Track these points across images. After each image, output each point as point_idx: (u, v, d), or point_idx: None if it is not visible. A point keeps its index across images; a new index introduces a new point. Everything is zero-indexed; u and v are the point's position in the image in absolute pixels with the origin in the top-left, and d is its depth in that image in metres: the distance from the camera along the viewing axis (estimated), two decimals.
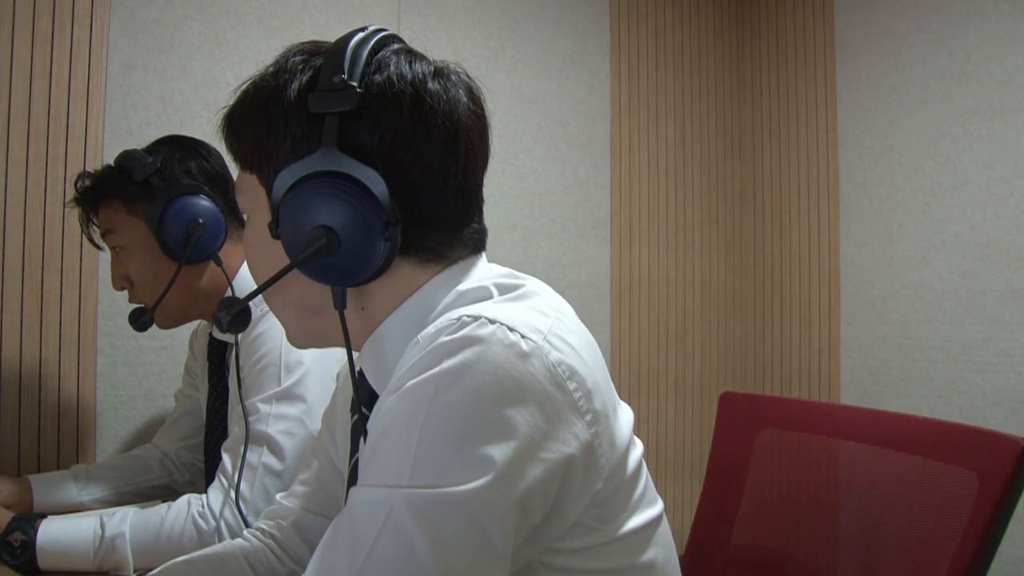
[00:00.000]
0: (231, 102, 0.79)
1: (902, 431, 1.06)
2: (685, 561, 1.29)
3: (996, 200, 2.26)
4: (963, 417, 2.28)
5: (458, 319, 0.66)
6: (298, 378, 1.30)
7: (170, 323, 1.48)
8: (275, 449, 1.25)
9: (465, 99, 0.78)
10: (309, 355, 1.32)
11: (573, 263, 2.55)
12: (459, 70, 0.80)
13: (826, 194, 2.71)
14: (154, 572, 0.94)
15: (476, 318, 0.66)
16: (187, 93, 1.94)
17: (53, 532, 1.14)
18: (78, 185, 1.44)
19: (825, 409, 1.22)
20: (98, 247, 1.50)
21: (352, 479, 0.84)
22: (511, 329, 0.65)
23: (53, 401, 1.78)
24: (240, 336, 1.38)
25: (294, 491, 1.04)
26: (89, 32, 1.82)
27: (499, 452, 0.61)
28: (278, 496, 1.07)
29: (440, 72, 0.77)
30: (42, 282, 1.77)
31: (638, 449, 0.78)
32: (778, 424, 1.25)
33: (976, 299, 2.29)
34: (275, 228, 0.74)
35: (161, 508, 1.22)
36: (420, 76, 0.75)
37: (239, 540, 1.02)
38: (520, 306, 0.71)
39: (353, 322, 0.78)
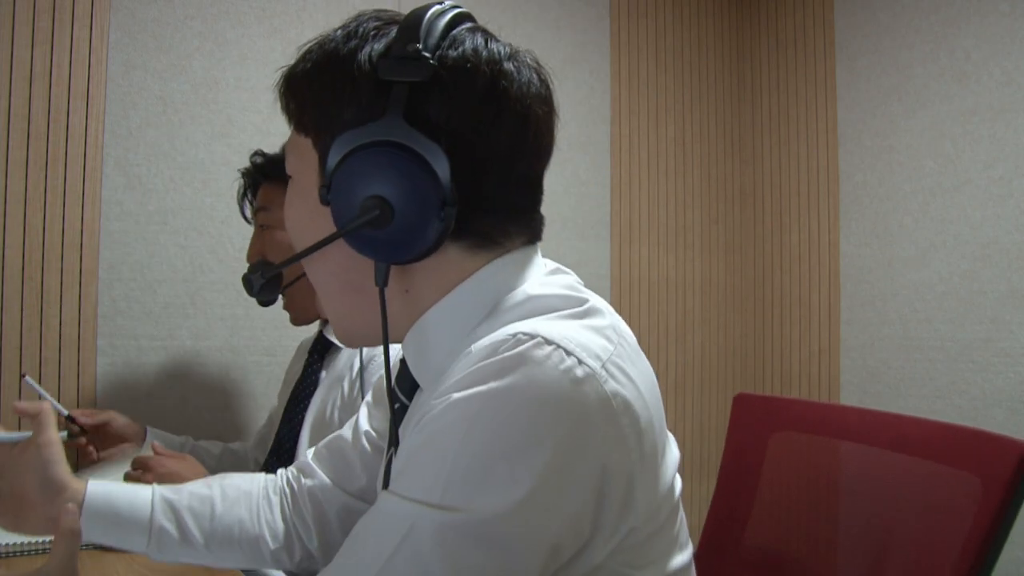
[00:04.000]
0: (292, 62, 0.77)
1: (908, 434, 1.05)
2: (696, 560, 1.29)
3: (996, 200, 2.26)
4: (963, 417, 2.28)
5: (514, 335, 0.63)
6: None
7: (299, 318, 1.57)
8: None
9: (537, 84, 0.75)
10: None
11: (573, 263, 2.52)
12: (530, 55, 0.77)
13: (826, 194, 2.71)
14: (178, 485, 0.96)
15: (532, 336, 0.63)
16: (187, 93, 1.94)
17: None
18: (252, 159, 1.57)
19: (838, 412, 1.22)
20: (247, 220, 1.62)
21: (386, 472, 0.82)
22: (568, 353, 0.62)
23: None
24: (368, 357, 1.39)
25: (320, 453, 1.02)
26: (89, 32, 1.82)
27: (535, 480, 0.59)
28: (309, 452, 1.05)
29: (514, 55, 0.75)
30: (42, 282, 1.77)
31: (678, 489, 0.75)
32: (792, 426, 1.25)
33: (976, 299, 2.29)
34: (326, 193, 0.71)
35: None
36: (496, 55, 0.72)
37: (266, 479, 1.01)
38: (581, 325, 0.68)
39: (396, 305, 0.75)
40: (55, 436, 0.83)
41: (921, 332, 2.42)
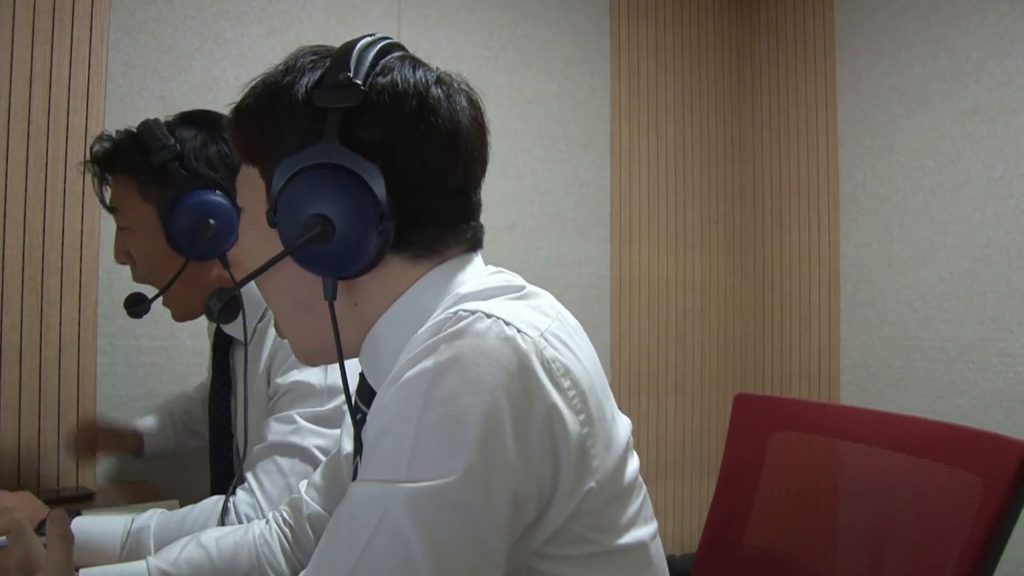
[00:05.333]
0: (239, 98, 0.81)
1: (909, 434, 1.05)
2: (697, 561, 1.29)
3: (996, 200, 2.26)
4: (963, 417, 2.28)
5: (455, 313, 0.67)
6: (339, 404, 1.28)
7: (183, 315, 1.44)
8: (308, 459, 1.25)
9: (466, 104, 0.80)
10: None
11: (573, 263, 2.55)
12: (460, 79, 0.82)
13: (826, 194, 2.71)
14: (171, 546, 0.98)
15: (473, 312, 0.67)
16: (187, 93, 1.94)
17: (85, 524, 1.15)
18: (95, 148, 1.37)
19: (838, 412, 1.22)
20: (108, 209, 1.43)
21: (354, 478, 0.85)
22: (507, 323, 0.66)
23: (53, 401, 1.78)
24: (275, 342, 1.34)
25: (314, 483, 1.06)
26: (89, 32, 1.82)
27: (492, 443, 0.62)
28: (301, 484, 1.08)
29: (441, 80, 0.79)
30: (42, 282, 1.77)
31: (634, 463, 0.78)
32: (792, 426, 1.25)
33: (976, 299, 2.29)
34: (272, 216, 0.75)
35: (187, 508, 1.23)
36: (423, 81, 0.77)
37: (260, 526, 1.05)
38: (520, 304, 0.72)
39: (346, 318, 0.79)
40: (33, 545, 0.79)
41: (921, 332, 2.42)
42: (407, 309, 0.77)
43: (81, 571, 0.90)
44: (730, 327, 2.93)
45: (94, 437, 1.63)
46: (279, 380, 1.30)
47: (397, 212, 0.74)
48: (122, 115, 1.86)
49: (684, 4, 2.85)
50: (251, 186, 0.81)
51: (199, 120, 1.37)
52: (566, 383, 0.68)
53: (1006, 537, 0.88)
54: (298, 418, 1.27)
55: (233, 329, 1.43)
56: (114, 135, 1.37)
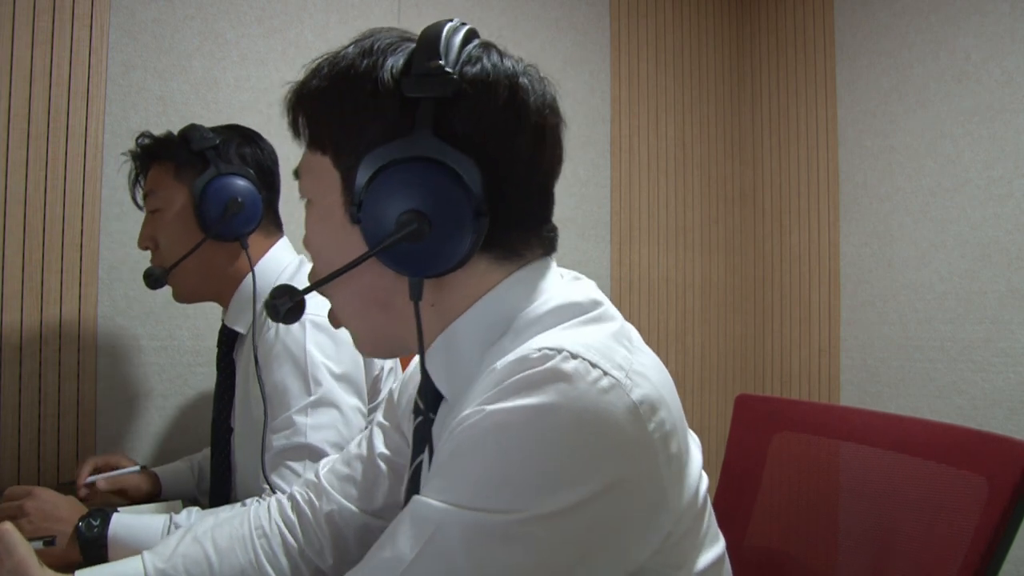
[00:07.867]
0: (302, 79, 0.77)
1: (913, 435, 1.05)
2: None
3: (996, 200, 2.26)
4: (963, 417, 2.29)
5: (540, 350, 0.64)
6: (327, 386, 1.31)
7: (184, 295, 1.52)
8: (317, 455, 1.26)
9: (549, 97, 0.77)
10: (330, 362, 1.33)
11: (573, 263, 2.55)
12: (537, 70, 0.79)
13: (826, 194, 2.71)
14: (166, 540, 0.95)
15: (559, 351, 0.64)
16: (187, 93, 1.94)
17: (126, 520, 1.16)
18: (139, 141, 1.51)
19: (840, 413, 1.22)
20: (138, 206, 1.55)
21: (412, 482, 0.83)
22: (593, 365, 0.64)
23: (53, 401, 1.78)
24: (264, 337, 1.36)
25: (339, 473, 1.01)
26: (89, 32, 1.81)
27: (566, 489, 0.60)
28: (323, 463, 1.05)
29: (525, 69, 0.76)
30: (42, 282, 1.77)
31: (704, 484, 0.76)
32: (794, 427, 1.24)
33: (976, 299, 2.29)
34: (356, 212, 0.71)
35: (225, 508, 1.23)
36: (512, 70, 0.74)
37: (260, 518, 1.00)
38: (601, 335, 0.69)
39: (423, 319, 0.75)
40: (24, 554, 0.78)
41: (921, 332, 2.42)
42: (487, 314, 0.74)
43: (77, 572, 0.88)
44: (730, 327, 2.93)
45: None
46: (265, 381, 1.33)
47: (488, 210, 0.71)
48: (122, 115, 1.86)
49: (684, 4, 2.85)
50: (319, 176, 0.76)
51: (237, 128, 1.52)
52: (651, 426, 0.65)
53: (1011, 539, 0.88)
54: (295, 419, 1.29)
55: (237, 323, 1.46)
56: (155, 134, 1.52)
